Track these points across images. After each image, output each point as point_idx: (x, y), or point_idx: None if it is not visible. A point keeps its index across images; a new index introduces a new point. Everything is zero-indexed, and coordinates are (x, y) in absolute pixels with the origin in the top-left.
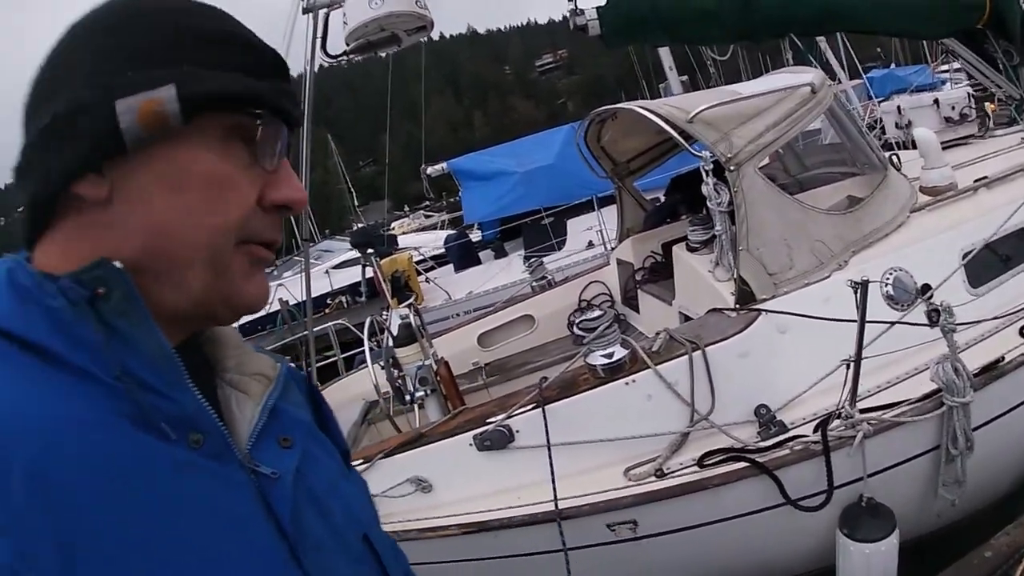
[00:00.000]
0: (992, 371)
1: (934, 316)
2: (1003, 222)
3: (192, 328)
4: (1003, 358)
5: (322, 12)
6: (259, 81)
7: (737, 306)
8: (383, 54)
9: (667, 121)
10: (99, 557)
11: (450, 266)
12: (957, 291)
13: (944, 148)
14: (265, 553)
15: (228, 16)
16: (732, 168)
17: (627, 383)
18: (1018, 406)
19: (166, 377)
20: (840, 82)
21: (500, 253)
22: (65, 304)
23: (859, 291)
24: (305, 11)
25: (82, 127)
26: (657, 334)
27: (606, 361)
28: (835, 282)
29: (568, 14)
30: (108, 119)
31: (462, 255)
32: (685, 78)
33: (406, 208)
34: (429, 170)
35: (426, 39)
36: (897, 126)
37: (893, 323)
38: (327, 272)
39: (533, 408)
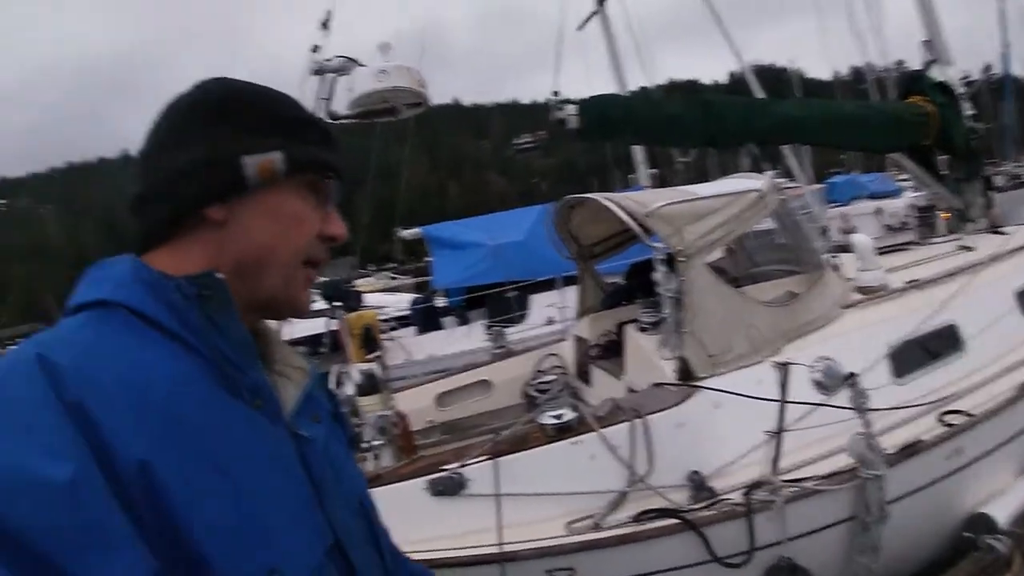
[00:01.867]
0: (909, 449)
1: (860, 402)
2: (925, 319)
3: (260, 317)
4: (920, 440)
5: (331, 76)
6: (330, 151)
7: (678, 381)
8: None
9: (628, 213)
10: (200, 463)
11: (412, 328)
12: (882, 379)
13: (884, 252)
14: (301, 493)
15: (301, 104)
16: (682, 259)
17: (573, 443)
18: (933, 483)
19: (245, 358)
20: (800, 186)
21: (463, 320)
22: (180, 297)
23: (781, 372)
24: (315, 73)
25: (219, 171)
26: (604, 401)
27: (556, 421)
28: (767, 366)
29: (550, 104)
30: (238, 168)
31: (426, 318)
32: (655, 171)
33: (370, 267)
34: (403, 232)
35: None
36: (842, 232)
37: (818, 404)
38: (289, 321)
39: (486, 459)
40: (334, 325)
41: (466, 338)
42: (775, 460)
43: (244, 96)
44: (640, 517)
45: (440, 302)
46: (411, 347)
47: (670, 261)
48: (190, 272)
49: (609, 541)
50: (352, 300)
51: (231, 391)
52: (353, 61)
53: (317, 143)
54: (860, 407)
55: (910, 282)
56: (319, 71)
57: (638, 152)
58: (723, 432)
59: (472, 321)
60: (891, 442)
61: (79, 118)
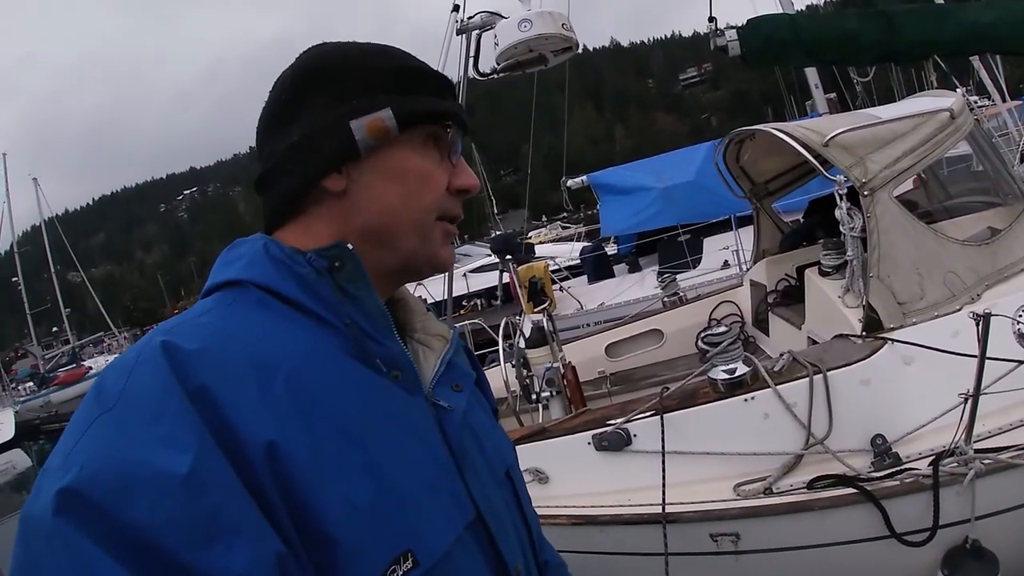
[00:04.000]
0: None
1: None
2: None
3: (399, 283)
4: None
5: (475, 33)
6: (444, 100)
7: (863, 333)
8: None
9: (802, 144)
10: (332, 439)
11: (584, 277)
12: None
13: None
14: (440, 461)
15: (409, 54)
16: (866, 193)
17: (746, 400)
18: None
19: (381, 328)
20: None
21: (634, 267)
22: (310, 271)
23: (981, 324)
24: (459, 32)
25: (329, 140)
26: (781, 355)
27: (727, 376)
28: (965, 316)
29: (708, 33)
30: (346, 134)
31: (596, 267)
32: (833, 96)
33: (544, 218)
34: (569, 182)
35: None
36: None
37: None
38: (465, 275)
39: (652, 415)
40: (506, 278)
41: (638, 286)
42: (970, 427)
43: (343, 58)
44: (815, 483)
45: (611, 250)
46: (582, 297)
47: (853, 196)
48: (319, 246)
49: (778, 508)
50: (521, 252)
51: (367, 363)
52: (495, 14)
53: (429, 93)
54: None
55: None
56: (462, 30)
57: (812, 75)
58: (914, 392)
59: (643, 268)
60: None
61: (252, 106)
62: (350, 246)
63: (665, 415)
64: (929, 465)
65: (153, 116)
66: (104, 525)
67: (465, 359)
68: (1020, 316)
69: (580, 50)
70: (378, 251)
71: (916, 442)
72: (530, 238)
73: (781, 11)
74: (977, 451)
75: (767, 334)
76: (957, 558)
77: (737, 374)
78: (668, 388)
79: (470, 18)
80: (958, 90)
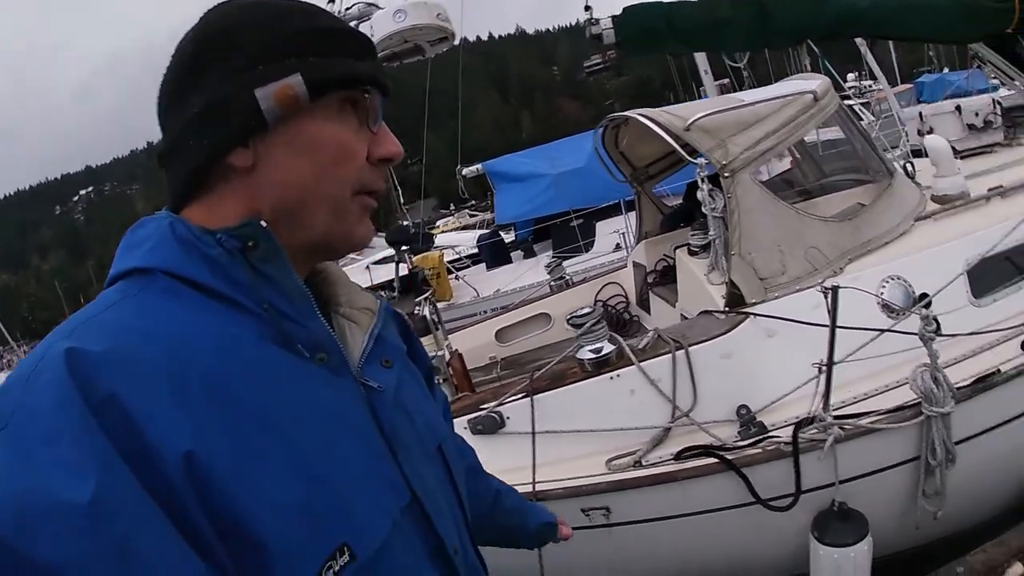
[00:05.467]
0: (983, 383)
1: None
2: (1010, 231)
3: (316, 260)
4: (998, 370)
5: (352, 24)
6: (361, 62)
7: (727, 309)
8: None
9: (665, 129)
10: (256, 438)
11: (484, 264)
12: (958, 300)
13: (966, 156)
14: (371, 446)
15: (325, 11)
16: (727, 175)
17: (611, 377)
18: (1010, 420)
19: (301, 309)
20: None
21: (529, 253)
22: (222, 252)
23: (829, 296)
24: None
25: (232, 111)
26: (647, 333)
27: (593, 356)
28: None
29: (584, 23)
30: (251, 103)
31: (494, 254)
32: (726, 81)
33: (452, 207)
34: (464, 171)
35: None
36: (920, 133)
37: (878, 331)
38: (368, 268)
39: (523, 397)
40: (404, 269)
41: (532, 271)
42: (826, 395)
43: (248, 18)
44: (681, 455)
45: (511, 236)
46: (479, 284)
47: (715, 177)
48: (229, 225)
49: (646, 480)
50: (419, 242)
51: (289, 348)
52: (372, 5)
53: (345, 55)
54: (925, 335)
55: (993, 189)
56: None
57: (702, 61)
58: (776, 363)
59: (538, 254)
60: (964, 373)
61: (151, 97)
62: (263, 223)
63: (535, 396)
64: (791, 433)
65: (45, 113)
66: (11, 565)
67: (394, 329)
68: (882, 286)
69: (486, 37)
70: (291, 229)
71: (781, 411)
72: (437, 227)
73: None
74: (837, 417)
75: (649, 313)
76: (826, 520)
77: (603, 353)
78: (537, 371)
79: (347, 8)
80: (850, 76)
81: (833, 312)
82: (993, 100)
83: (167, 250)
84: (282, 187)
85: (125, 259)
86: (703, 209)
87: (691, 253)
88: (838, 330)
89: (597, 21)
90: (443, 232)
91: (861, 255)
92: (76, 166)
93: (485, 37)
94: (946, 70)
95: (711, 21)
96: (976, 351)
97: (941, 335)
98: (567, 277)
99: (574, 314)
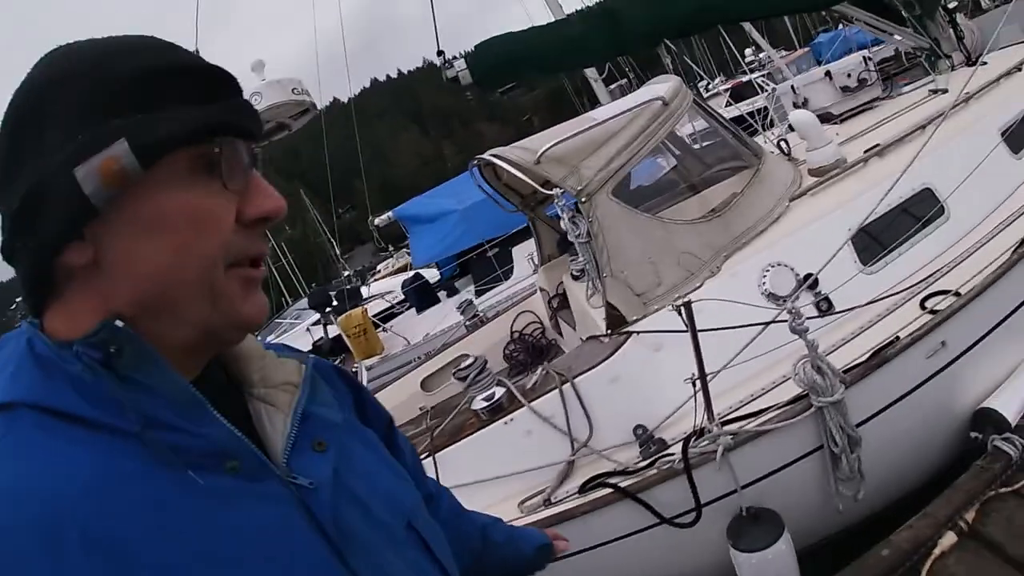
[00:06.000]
0: (878, 356)
1: (823, 306)
2: (888, 190)
3: (208, 355)
4: (897, 338)
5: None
6: (208, 106)
7: (609, 331)
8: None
9: (517, 166)
10: None
11: (413, 310)
12: (849, 272)
13: (847, 118)
14: (311, 559)
15: (158, 44)
16: (583, 200)
17: (506, 422)
18: (917, 387)
19: (191, 416)
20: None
21: (452, 291)
22: (82, 368)
23: (683, 312)
24: None
25: (51, 202)
26: (536, 370)
27: (486, 404)
28: (708, 292)
29: (440, 66)
30: (72, 188)
31: (420, 298)
32: (624, 81)
33: (390, 248)
34: (376, 221)
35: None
36: (795, 105)
37: (749, 325)
38: (308, 329)
39: (426, 456)
40: (333, 330)
41: (457, 310)
42: (707, 407)
43: (65, 71)
44: (584, 487)
45: (435, 275)
46: (408, 331)
47: (575, 204)
48: (85, 332)
49: (554, 518)
50: (345, 301)
51: (185, 467)
52: None
53: (184, 100)
54: (796, 328)
55: (870, 149)
56: None
57: (590, 69)
58: (668, 375)
59: (460, 290)
60: (865, 346)
61: None
62: (119, 323)
63: (437, 454)
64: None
65: None
66: None
67: (328, 393)
68: (765, 275)
69: (395, 75)
70: (162, 326)
71: (680, 423)
72: (378, 271)
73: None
74: (726, 423)
75: (562, 335)
76: (738, 527)
77: (495, 399)
78: (436, 429)
79: None
80: (748, 51)
81: (691, 326)
82: (864, 57)
83: (28, 376)
84: (136, 279)
85: None
86: (569, 238)
87: (574, 278)
88: (726, 331)
89: (451, 64)
90: (382, 278)
91: (737, 248)
92: None
93: (395, 74)
94: (840, 27)
95: (564, 41)
96: (875, 320)
97: (831, 314)
98: (480, 314)
99: (458, 368)
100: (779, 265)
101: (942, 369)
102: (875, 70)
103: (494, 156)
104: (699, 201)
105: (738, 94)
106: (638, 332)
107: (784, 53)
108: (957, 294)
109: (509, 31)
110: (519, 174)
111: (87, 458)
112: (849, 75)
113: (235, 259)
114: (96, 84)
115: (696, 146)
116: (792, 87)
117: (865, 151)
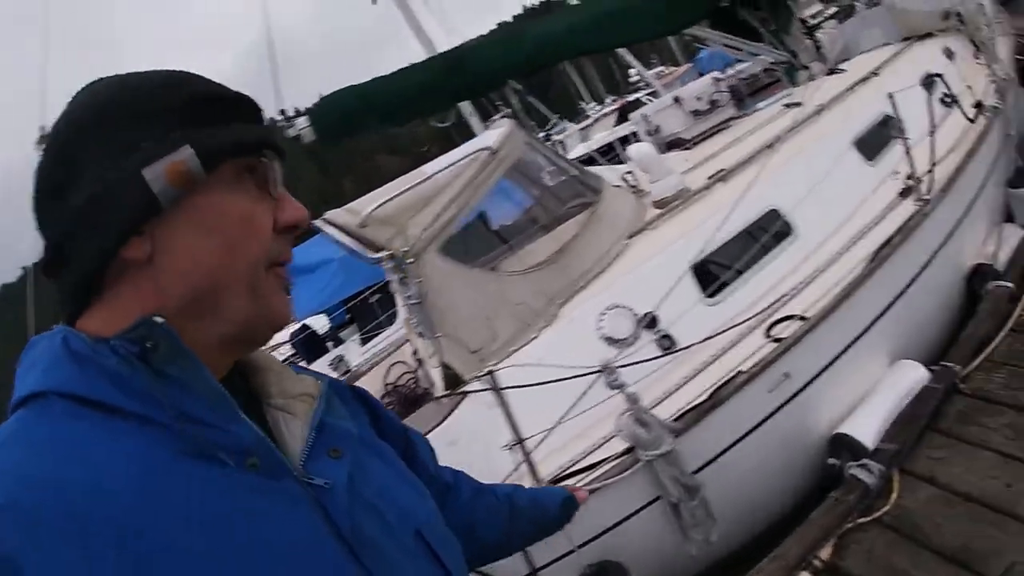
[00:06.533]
0: (717, 395)
1: (665, 343)
2: (726, 217)
3: (236, 354)
4: (739, 373)
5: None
6: (252, 125)
7: (447, 391)
8: None
9: (343, 231)
10: None
11: (304, 362)
12: (691, 305)
13: (699, 141)
14: (327, 554)
15: (203, 77)
16: (410, 260)
17: None
18: (764, 421)
19: (220, 412)
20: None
21: (337, 341)
22: (119, 361)
23: (492, 384)
24: None
25: (121, 198)
26: None
27: None
28: (545, 341)
29: (281, 125)
30: (142, 187)
31: (308, 349)
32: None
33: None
34: None
35: None
36: (648, 133)
37: (566, 379)
38: None
39: None
40: None
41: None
42: (531, 470)
43: (120, 94)
44: None
45: (323, 324)
46: None
47: (401, 266)
48: (123, 328)
49: None
50: None
51: (212, 459)
52: None
53: (234, 120)
54: (613, 384)
55: (714, 175)
56: None
57: (464, 104)
58: (505, 436)
59: (346, 340)
60: (708, 381)
61: None
62: (158, 319)
63: None
64: None
65: None
66: None
67: (346, 411)
68: (603, 319)
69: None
70: (203, 321)
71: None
72: None
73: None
74: (556, 481)
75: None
76: None
77: None
78: None
79: None
80: (632, 70)
81: (503, 405)
82: (714, 79)
83: (61, 369)
84: (189, 275)
85: (22, 383)
86: (396, 300)
87: (420, 335)
88: (561, 382)
89: (292, 121)
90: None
91: (575, 293)
92: None
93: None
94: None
95: (410, 88)
96: (719, 353)
97: (673, 352)
98: (352, 369)
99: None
100: (617, 307)
101: (789, 400)
102: (726, 90)
103: (324, 221)
104: (550, 241)
105: (624, 115)
106: (469, 392)
107: (670, 70)
108: (803, 318)
109: (350, 85)
110: (346, 240)
111: (120, 445)
112: (699, 98)
113: (272, 260)
114: (157, 103)
115: (553, 182)
116: (643, 115)
117: (709, 177)
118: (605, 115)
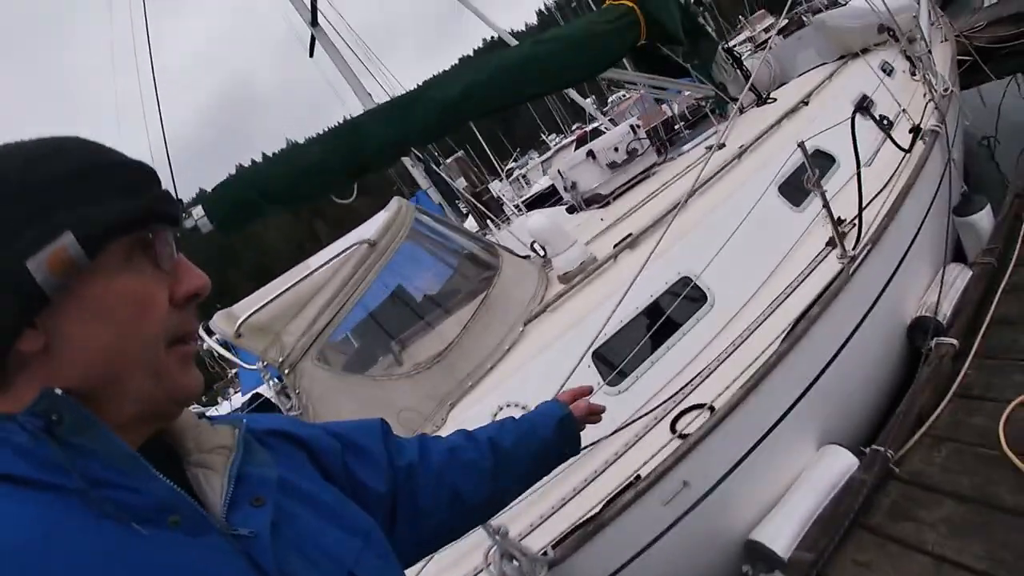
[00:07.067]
0: (598, 518)
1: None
2: (626, 292)
3: (150, 428)
4: (638, 476)
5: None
6: (139, 197)
7: None
8: None
9: (221, 343)
10: None
11: None
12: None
13: (620, 195)
14: None
15: (88, 144)
16: (286, 371)
17: None
18: (663, 534)
19: (133, 474)
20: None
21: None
22: (27, 437)
23: None
24: None
25: (5, 294)
26: None
27: None
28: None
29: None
30: (27, 279)
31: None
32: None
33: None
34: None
35: None
36: (564, 190)
37: None
38: None
39: None
40: None
41: None
42: None
43: (13, 172)
44: None
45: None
46: None
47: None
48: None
49: None
50: None
51: (133, 520)
52: None
53: (119, 193)
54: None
55: (621, 242)
56: None
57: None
58: None
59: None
60: (616, 478)
61: None
62: (58, 391)
63: None
64: None
65: None
66: None
67: (265, 455)
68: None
69: (259, 157)
70: (112, 403)
71: None
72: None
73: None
74: None
75: None
76: None
77: None
78: None
79: None
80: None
81: None
82: (631, 127)
83: None
84: (84, 363)
85: None
86: (282, 411)
87: None
88: None
89: (189, 213)
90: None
91: (465, 392)
92: None
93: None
94: None
95: (304, 167)
96: (623, 450)
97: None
98: None
99: None
100: (509, 406)
101: (688, 511)
102: (644, 137)
103: (204, 330)
104: (442, 333)
105: (583, 144)
106: None
107: (629, 95)
108: (712, 408)
109: (240, 169)
110: (226, 353)
111: (32, 514)
112: (616, 149)
113: (172, 337)
114: (38, 183)
115: (449, 262)
116: (559, 171)
117: (615, 245)
118: (563, 147)
